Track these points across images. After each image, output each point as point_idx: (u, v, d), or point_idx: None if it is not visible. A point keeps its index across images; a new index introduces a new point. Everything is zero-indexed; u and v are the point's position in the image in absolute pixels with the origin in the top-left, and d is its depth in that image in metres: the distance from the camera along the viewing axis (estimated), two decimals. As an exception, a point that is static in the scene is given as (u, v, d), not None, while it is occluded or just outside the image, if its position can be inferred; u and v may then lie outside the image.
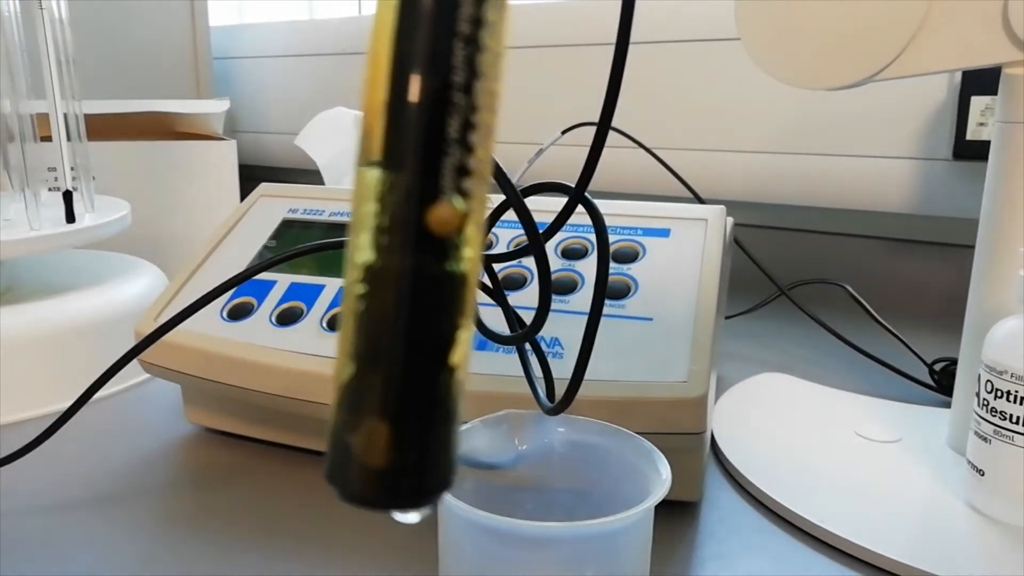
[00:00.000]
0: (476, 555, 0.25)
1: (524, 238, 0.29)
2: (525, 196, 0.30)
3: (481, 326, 0.31)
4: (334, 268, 0.46)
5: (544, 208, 0.31)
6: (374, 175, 0.12)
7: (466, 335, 0.13)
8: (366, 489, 0.13)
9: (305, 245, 0.38)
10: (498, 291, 0.33)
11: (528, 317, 0.30)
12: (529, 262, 0.42)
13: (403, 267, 0.12)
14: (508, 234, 0.45)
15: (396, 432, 0.13)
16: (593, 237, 0.41)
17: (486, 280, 0.33)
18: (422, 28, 0.12)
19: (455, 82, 0.12)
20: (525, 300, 0.41)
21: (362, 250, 0.12)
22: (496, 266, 0.34)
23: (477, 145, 0.12)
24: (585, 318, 0.29)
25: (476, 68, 0.12)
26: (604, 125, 0.25)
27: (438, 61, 0.12)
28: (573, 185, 0.27)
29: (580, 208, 0.28)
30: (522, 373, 0.32)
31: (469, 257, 0.13)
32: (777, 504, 0.38)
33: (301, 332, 0.42)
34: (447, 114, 0.12)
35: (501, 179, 0.26)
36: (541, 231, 0.30)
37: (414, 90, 0.12)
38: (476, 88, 0.12)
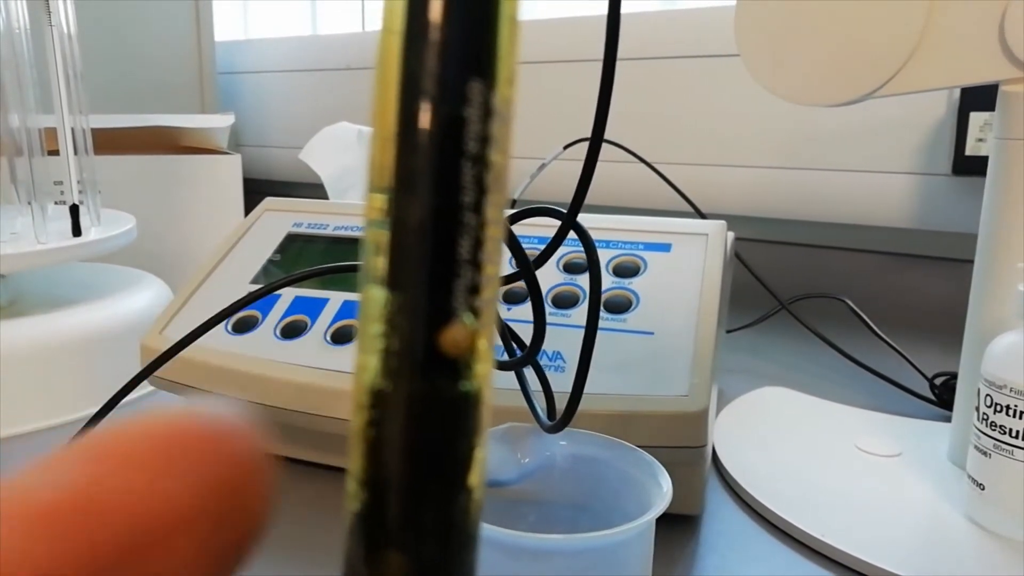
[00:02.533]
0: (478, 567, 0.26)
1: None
2: (514, 221, 0.30)
3: None
4: (338, 282, 0.46)
5: (542, 223, 0.31)
6: (380, 295, 0.12)
7: (482, 454, 0.13)
8: None
9: (329, 266, 0.38)
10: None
11: (527, 332, 0.30)
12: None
13: (415, 391, 0.12)
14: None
15: (413, 563, 0.12)
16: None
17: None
18: (428, 149, 0.11)
19: (464, 202, 0.11)
20: (524, 315, 0.41)
21: (370, 372, 0.12)
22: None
23: (487, 262, 0.12)
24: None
25: (485, 186, 0.11)
26: (593, 153, 0.25)
27: (447, 183, 0.11)
28: (568, 204, 0.28)
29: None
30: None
31: (482, 374, 0.12)
32: (778, 518, 0.39)
33: (305, 345, 0.42)
34: (457, 235, 0.11)
35: None
36: (537, 253, 0.30)
37: (421, 213, 0.11)
38: (485, 205, 0.12)
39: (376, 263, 0.12)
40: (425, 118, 0.11)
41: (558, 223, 0.28)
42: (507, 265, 0.45)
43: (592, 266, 0.28)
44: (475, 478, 0.13)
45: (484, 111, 0.11)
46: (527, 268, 0.27)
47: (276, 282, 0.38)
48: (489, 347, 0.12)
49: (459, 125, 0.11)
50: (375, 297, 0.12)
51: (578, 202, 0.27)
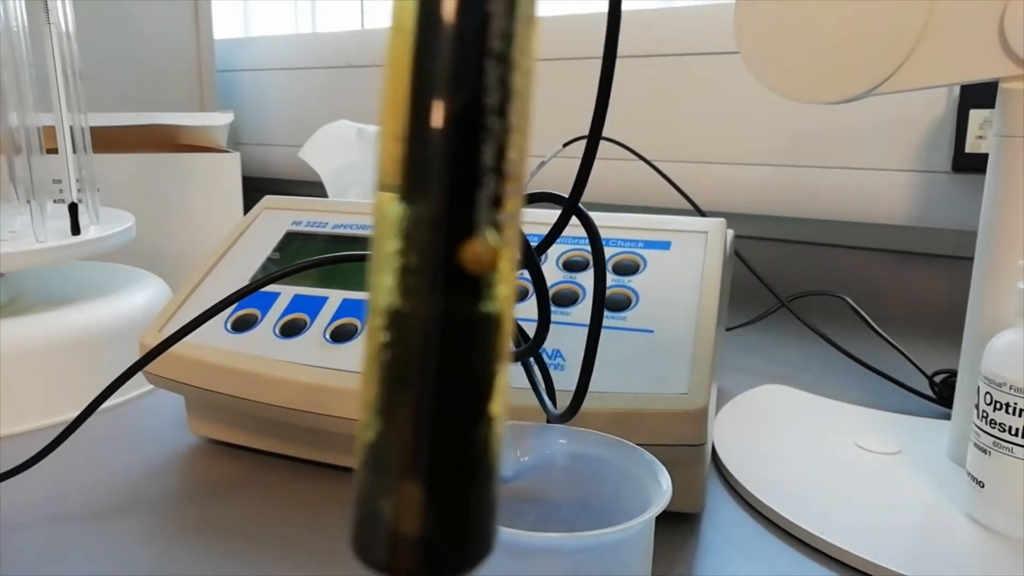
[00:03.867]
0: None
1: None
2: None
3: None
4: (337, 280, 0.46)
5: (543, 221, 0.31)
6: (397, 209, 0.11)
7: (503, 381, 0.12)
8: (399, 559, 0.12)
9: (316, 258, 0.38)
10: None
11: (530, 329, 0.30)
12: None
13: (434, 310, 0.11)
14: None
15: (431, 495, 0.11)
16: (594, 250, 0.42)
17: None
18: (449, 45, 0.10)
19: (489, 105, 0.11)
20: (526, 312, 0.41)
21: (386, 293, 0.11)
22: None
23: (511, 173, 0.11)
24: (586, 330, 0.29)
25: (509, 88, 0.11)
26: (594, 136, 0.25)
27: (470, 82, 0.11)
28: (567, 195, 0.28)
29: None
30: (524, 385, 0.32)
31: (504, 296, 0.11)
32: (778, 515, 0.39)
33: (305, 343, 0.42)
34: (481, 140, 0.11)
35: None
36: (537, 243, 0.30)
37: (443, 114, 0.11)
38: (510, 109, 0.11)
39: (392, 175, 0.11)
40: (449, 7, 0.10)
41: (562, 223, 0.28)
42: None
43: (596, 251, 0.28)
44: (497, 407, 0.12)
45: (508, 5, 0.11)
46: (529, 254, 0.27)
47: (268, 276, 0.38)
48: (512, 269, 0.12)
49: (483, 20, 0.11)
50: (390, 213, 0.11)
51: (580, 187, 0.27)
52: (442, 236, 0.11)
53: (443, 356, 0.11)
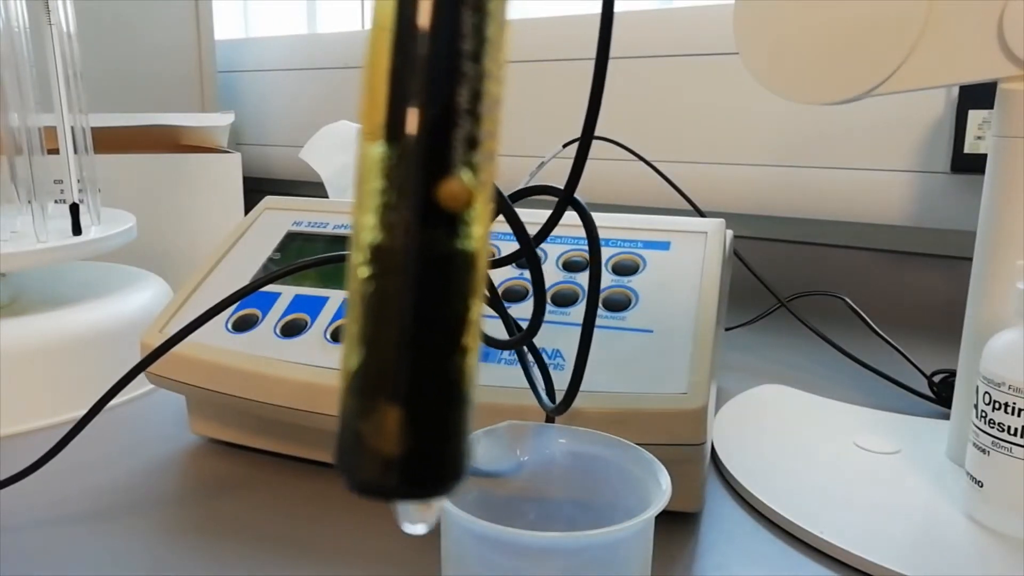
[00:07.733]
0: (478, 565, 0.26)
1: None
2: (515, 200, 0.31)
3: None
4: (337, 280, 0.46)
5: (540, 222, 0.31)
6: (379, 151, 0.12)
7: (476, 316, 0.13)
8: (377, 477, 0.12)
9: (311, 258, 0.39)
10: (495, 299, 0.33)
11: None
12: (529, 274, 0.43)
13: (412, 244, 0.12)
14: (511, 246, 0.46)
15: (408, 416, 0.12)
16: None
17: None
18: None
19: (464, 50, 0.11)
20: (525, 313, 0.41)
21: (368, 230, 0.12)
22: (495, 277, 0.35)
23: (486, 117, 0.12)
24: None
25: (484, 35, 0.12)
26: (591, 118, 0.25)
27: (446, 28, 0.11)
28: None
29: (580, 221, 0.29)
30: (523, 384, 0.32)
31: (479, 235, 0.12)
32: (777, 515, 0.39)
33: (305, 344, 0.42)
34: (457, 83, 0.11)
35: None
36: (535, 234, 0.30)
37: (421, 59, 0.11)
38: (485, 56, 0.12)
39: (375, 120, 0.12)
40: None
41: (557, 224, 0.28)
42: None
43: (591, 241, 0.28)
44: (471, 340, 0.13)
45: None
46: (527, 243, 0.27)
47: (268, 275, 0.38)
48: (486, 212, 0.12)
49: None
50: (372, 154, 0.12)
51: (575, 178, 0.27)
52: (420, 172, 0.12)
53: (421, 286, 0.12)
